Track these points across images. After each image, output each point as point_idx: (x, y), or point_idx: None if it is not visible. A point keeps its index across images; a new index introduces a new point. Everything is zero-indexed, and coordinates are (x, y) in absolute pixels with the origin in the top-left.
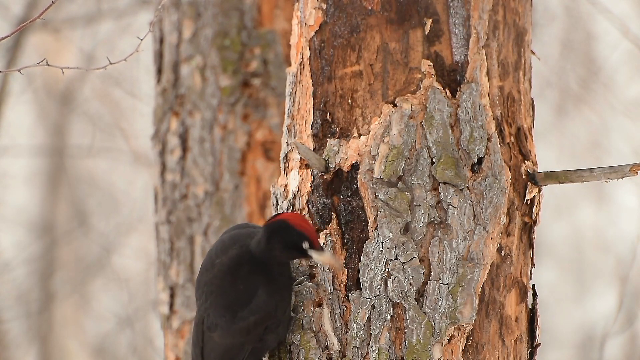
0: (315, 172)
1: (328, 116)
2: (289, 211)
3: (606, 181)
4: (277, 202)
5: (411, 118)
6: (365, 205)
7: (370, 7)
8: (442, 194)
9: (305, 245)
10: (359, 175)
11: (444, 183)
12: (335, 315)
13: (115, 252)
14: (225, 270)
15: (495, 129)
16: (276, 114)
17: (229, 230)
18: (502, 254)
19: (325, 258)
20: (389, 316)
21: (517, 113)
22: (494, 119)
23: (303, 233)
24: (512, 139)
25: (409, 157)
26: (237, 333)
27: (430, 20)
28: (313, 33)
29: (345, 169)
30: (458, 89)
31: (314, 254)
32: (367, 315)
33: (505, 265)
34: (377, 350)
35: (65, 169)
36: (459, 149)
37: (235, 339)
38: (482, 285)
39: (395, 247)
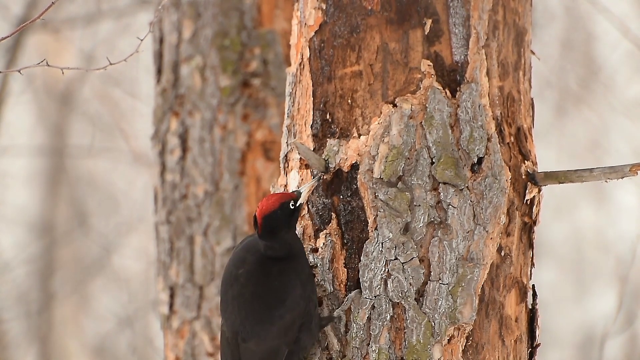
0: (315, 172)
1: (328, 116)
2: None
3: (606, 181)
4: None
5: (411, 118)
6: (365, 205)
7: (370, 7)
8: (442, 194)
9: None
10: (358, 175)
11: (444, 183)
12: None
13: (115, 252)
14: (256, 275)
15: (495, 129)
16: (276, 114)
17: (239, 244)
18: (502, 254)
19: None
20: (388, 316)
21: (517, 113)
22: (493, 119)
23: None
24: (512, 139)
25: (409, 157)
26: (275, 336)
27: (430, 20)
28: (313, 33)
29: (345, 169)
30: (458, 89)
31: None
32: (367, 315)
33: (505, 265)
34: (377, 350)
35: (65, 169)
36: (459, 149)
37: (273, 342)
38: (482, 285)
39: (395, 247)
